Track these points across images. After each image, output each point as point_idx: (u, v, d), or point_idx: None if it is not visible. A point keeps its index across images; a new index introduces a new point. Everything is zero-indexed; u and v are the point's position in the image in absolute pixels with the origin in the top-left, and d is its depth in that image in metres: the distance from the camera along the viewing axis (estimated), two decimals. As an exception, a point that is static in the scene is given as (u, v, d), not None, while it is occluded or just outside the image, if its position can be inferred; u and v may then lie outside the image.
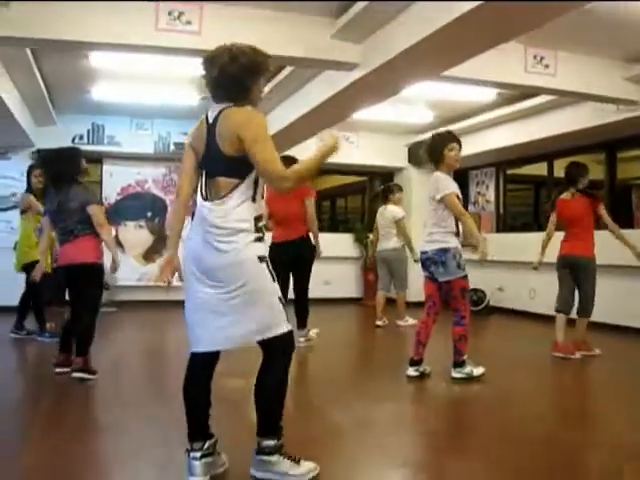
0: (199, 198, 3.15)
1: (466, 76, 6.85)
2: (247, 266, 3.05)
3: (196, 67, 7.67)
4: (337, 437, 4.04)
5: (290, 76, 7.88)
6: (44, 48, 7.06)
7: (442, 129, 10.87)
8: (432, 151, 5.64)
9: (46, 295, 7.70)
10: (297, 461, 3.22)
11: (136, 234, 11.90)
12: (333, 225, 16.06)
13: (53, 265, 6.93)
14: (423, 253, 5.68)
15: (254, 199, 3.13)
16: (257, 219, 3.12)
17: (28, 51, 7.25)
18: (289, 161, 7.00)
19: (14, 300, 8.18)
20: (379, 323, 9.29)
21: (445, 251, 5.48)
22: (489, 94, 9.14)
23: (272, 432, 3.18)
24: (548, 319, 6.93)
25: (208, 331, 3.11)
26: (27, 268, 7.42)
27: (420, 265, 5.80)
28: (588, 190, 7.05)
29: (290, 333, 3.19)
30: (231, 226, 3.04)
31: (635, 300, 8.49)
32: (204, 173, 3.19)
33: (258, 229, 3.12)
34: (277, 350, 3.16)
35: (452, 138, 5.68)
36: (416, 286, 7.42)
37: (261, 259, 3.10)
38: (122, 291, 11.11)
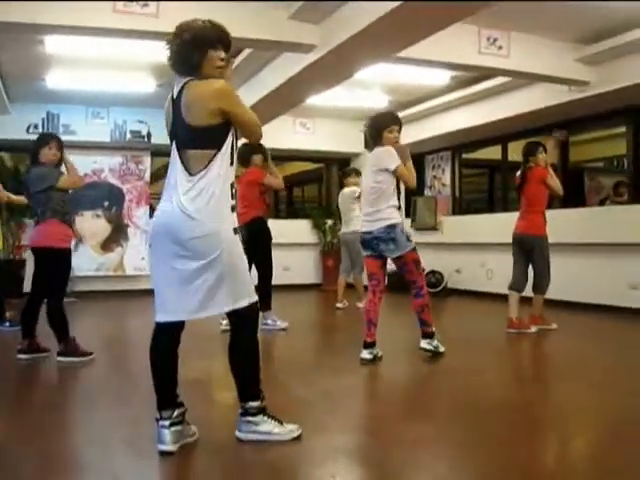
0: (179, 172, 3.17)
1: (421, 57, 6.97)
2: (224, 237, 3.12)
3: (152, 53, 7.83)
4: (301, 407, 4.13)
5: (247, 59, 7.91)
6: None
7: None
8: (372, 131, 5.55)
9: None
10: (280, 422, 3.32)
11: (93, 224, 11.79)
12: (291, 213, 16.12)
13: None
14: (367, 233, 5.54)
15: (231, 164, 3.20)
16: (232, 185, 3.20)
17: (-18, 38, 7.21)
18: (253, 149, 7.10)
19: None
20: (339, 305, 9.40)
21: (393, 227, 5.42)
22: (443, 78, 9.28)
23: (254, 395, 3.27)
24: (506, 298, 7.05)
25: (181, 302, 3.14)
26: None
27: (361, 245, 5.73)
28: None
29: (256, 302, 3.27)
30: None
31: (587, 277, 8.72)
32: (175, 148, 3.21)
33: (232, 196, 3.19)
34: (247, 318, 3.24)
35: (393, 120, 5.57)
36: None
37: (235, 231, 3.17)
38: (81, 281, 11.03)
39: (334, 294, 9.70)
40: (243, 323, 3.25)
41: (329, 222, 12.85)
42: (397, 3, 5.18)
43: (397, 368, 5.56)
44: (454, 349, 5.78)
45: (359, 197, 9.05)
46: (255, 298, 3.25)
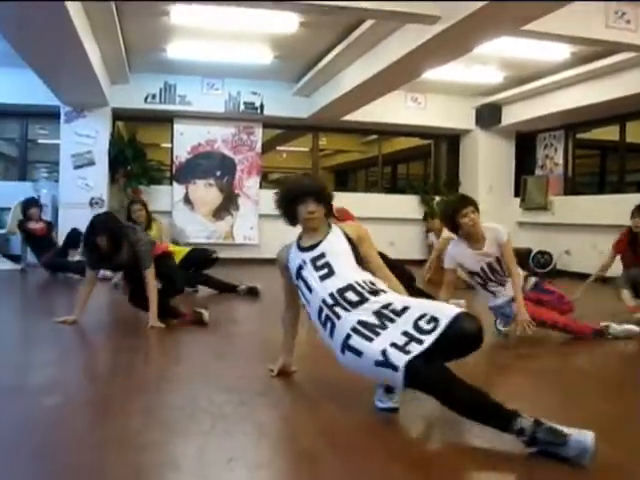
0: None
1: (544, 30, 6.82)
2: None
3: (271, 25, 7.95)
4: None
5: (367, 32, 7.91)
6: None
7: (509, 93, 10.90)
8: (446, 220, 5.31)
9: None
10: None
11: (205, 192, 12.11)
12: (395, 189, 16.11)
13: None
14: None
15: None
16: None
17: (114, 10, 7.47)
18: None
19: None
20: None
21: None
22: (562, 53, 9.07)
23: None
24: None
25: None
26: None
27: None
28: None
29: None
30: None
31: None
32: None
33: None
34: None
35: (462, 203, 5.20)
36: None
37: None
38: (192, 248, 11.34)
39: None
40: None
41: (437, 198, 12.78)
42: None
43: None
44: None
45: None
46: None
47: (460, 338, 2.92)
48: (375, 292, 3.23)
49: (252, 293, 7.57)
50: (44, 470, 2.53)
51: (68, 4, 6.06)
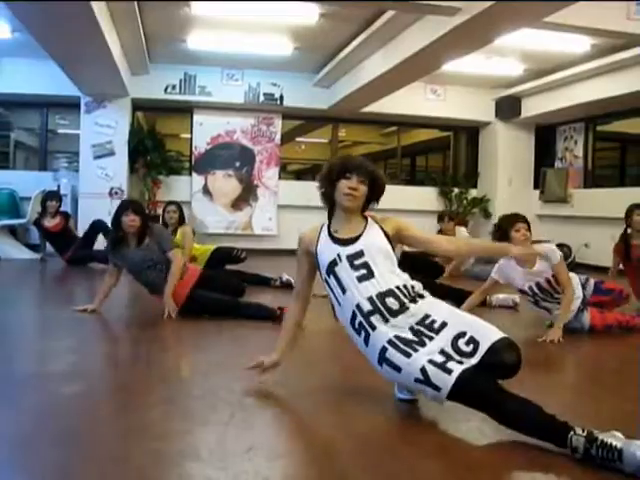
0: None
1: (564, 22, 6.79)
2: None
3: (292, 16, 7.96)
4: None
5: (387, 24, 7.90)
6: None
7: (529, 85, 10.86)
8: (500, 232, 5.34)
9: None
10: None
11: (225, 183, 12.16)
12: (413, 181, 16.08)
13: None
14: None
15: None
16: None
17: (135, 1, 7.51)
18: None
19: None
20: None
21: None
22: (583, 45, 9.01)
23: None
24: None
25: None
26: None
27: None
28: None
29: None
30: None
31: None
32: None
33: None
34: None
35: (517, 218, 5.40)
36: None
37: None
38: (211, 238, 11.38)
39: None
40: None
41: (456, 190, 12.76)
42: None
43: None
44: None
45: None
46: None
47: (497, 367, 2.84)
48: (414, 299, 3.10)
49: (288, 285, 7.47)
50: (65, 458, 2.56)
51: (90, -5, 6.11)
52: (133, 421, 2.98)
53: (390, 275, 3.13)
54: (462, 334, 2.92)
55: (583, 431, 2.53)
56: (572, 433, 2.53)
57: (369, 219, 3.30)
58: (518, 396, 2.74)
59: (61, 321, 5.42)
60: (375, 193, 3.28)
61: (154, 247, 5.49)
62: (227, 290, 6.01)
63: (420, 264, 7.31)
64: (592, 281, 5.52)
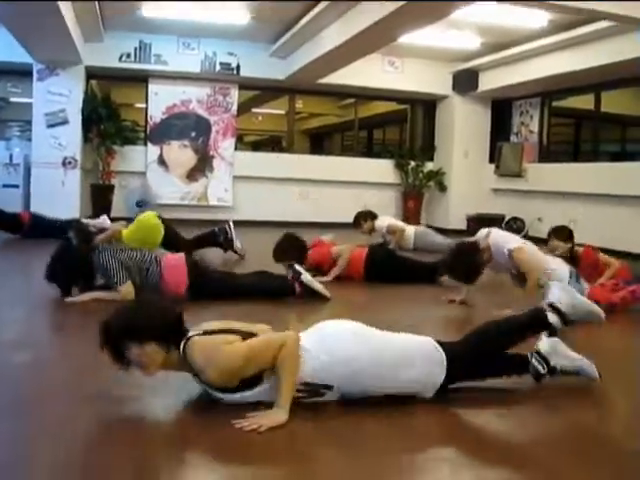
0: None
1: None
2: None
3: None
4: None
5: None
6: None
7: (486, 59, 10.95)
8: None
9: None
10: None
11: (180, 153, 12.05)
12: (370, 154, 16.10)
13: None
14: None
15: None
16: None
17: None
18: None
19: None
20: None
21: None
22: (540, 20, 9.06)
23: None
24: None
25: None
26: None
27: None
28: None
29: None
30: None
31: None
32: None
33: None
34: None
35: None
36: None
37: None
38: (166, 209, 11.27)
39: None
40: None
41: (412, 163, 12.80)
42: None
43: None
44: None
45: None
46: None
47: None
48: None
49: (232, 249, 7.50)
50: (18, 424, 2.55)
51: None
52: (86, 388, 2.96)
53: None
54: None
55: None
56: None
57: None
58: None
59: (10, 291, 5.34)
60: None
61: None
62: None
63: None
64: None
